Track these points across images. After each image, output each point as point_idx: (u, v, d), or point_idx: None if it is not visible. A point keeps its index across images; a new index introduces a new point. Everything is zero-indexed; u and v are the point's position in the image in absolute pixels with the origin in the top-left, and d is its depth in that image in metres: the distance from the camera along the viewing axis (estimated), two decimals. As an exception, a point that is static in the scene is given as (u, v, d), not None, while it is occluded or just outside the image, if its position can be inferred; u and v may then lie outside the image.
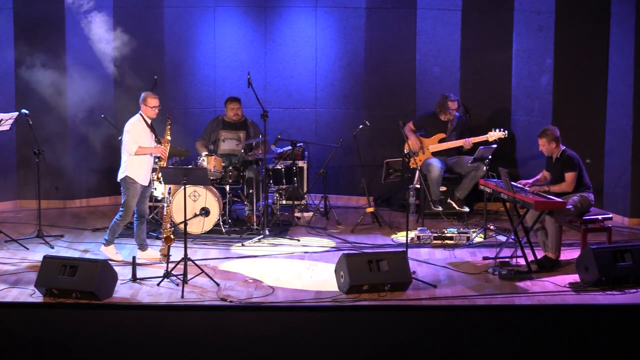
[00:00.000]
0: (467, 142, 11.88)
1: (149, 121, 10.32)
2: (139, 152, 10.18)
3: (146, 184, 10.33)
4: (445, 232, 11.10)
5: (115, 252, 10.37)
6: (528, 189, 10.33)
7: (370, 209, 11.93)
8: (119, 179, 10.33)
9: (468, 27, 12.58)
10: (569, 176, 10.27)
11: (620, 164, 11.90)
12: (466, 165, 11.87)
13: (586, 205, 10.30)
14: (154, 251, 10.49)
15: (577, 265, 9.73)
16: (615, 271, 9.46)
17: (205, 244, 11.01)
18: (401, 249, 9.97)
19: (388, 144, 12.68)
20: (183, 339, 8.27)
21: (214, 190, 11.39)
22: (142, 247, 10.46)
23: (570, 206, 10.08)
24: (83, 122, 12.38)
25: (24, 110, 11.21)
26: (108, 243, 10.38)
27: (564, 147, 10.41)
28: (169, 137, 10.35)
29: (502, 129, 11.80)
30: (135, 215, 10.40)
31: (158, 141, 10.33)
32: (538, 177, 10.65)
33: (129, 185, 10.22)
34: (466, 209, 11.87)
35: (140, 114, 10.33)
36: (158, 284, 9.54)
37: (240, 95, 12.19)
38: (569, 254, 10.42)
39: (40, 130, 11.83)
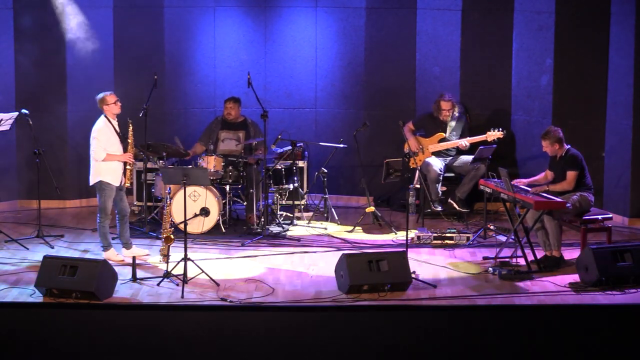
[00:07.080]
0: (462, 145, 11.89)
1: (115, 123, 10.36)
2: (106, 159, 10.26)
3: (119, 185, 10.39)
4: (446, 232, 11.12)
5: (116, 254, 10.40)
6: (523, 187, 10.34)
7: (370, 209, 11.92)
8: (91, 184, 10.37)
9: (468, 27, 12.57)
10: (570, 175, 10.25)
11: (620, 164, 11.89)
12: (466, 165, 11.87)
13: (585, 205, 10.29)
14: (138, 249, 10.57)
15: (577, 265, 9.73)
16: (615, 271, 9.46)
17: (205, 244, 11.02)
18: (401, 249, 9.97)
19: (388, 144, 12.67)
20: (183, 339, 8.26)
21: (214, 190, 11.39)
22: (127, 245, 10.51)
23: (568, 204, 10.07)
24: (83, 122, 12.37)
25: (24, 110, 11.20)
26: (106, 248, 10.42)
27: (568, 147, 10.40)
28: (129, 140, 10.42)
29: (500, 129, 11.81)
30: (118, 216, 10.46)
31: (125, 148, 10.39)
32: (537, 177, 10.63)
33: (104, 187, 10.29)
34: (466, 209, 11.88)
35: (105, 116, 10.36)
36: (158, 284, 9.54)
37: (240, 95, 12.19)
38: (569, 254, 10.41)
39: (41, 130, 11.83)
